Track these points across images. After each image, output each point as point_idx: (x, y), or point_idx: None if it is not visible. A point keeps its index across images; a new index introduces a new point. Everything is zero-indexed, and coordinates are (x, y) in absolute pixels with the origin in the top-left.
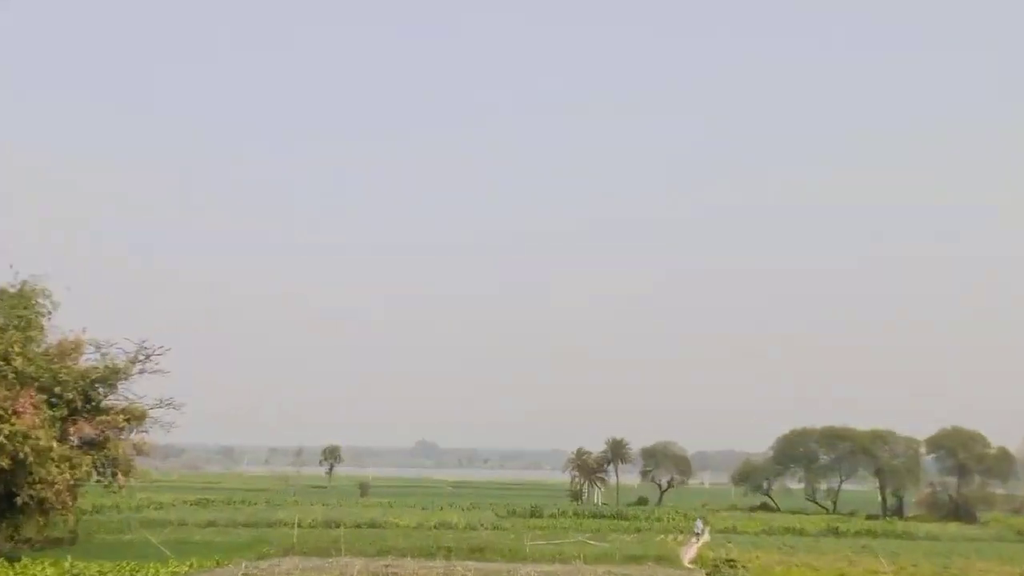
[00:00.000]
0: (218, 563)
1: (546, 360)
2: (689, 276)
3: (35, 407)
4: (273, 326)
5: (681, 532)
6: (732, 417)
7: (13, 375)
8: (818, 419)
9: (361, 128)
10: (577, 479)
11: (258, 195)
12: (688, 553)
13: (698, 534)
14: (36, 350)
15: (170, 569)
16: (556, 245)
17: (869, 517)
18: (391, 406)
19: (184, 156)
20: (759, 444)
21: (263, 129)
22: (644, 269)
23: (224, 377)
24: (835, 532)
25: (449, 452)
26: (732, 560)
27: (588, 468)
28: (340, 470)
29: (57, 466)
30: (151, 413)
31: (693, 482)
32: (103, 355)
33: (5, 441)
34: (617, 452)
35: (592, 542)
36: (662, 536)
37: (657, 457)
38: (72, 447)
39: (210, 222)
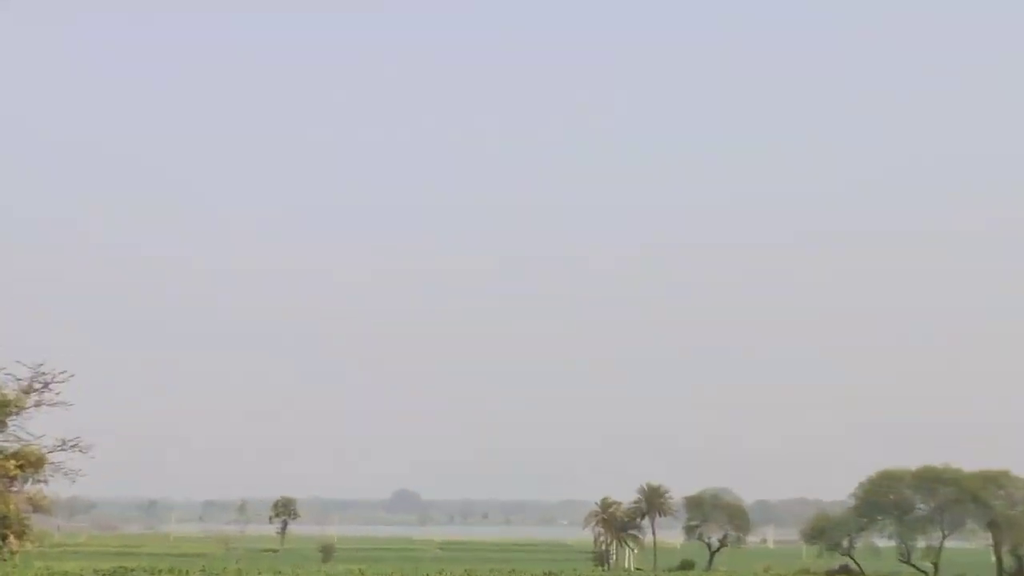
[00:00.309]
0: None
1: (559, 387)
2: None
3: None
4: (202, 340)
5: None
6: (801, 457)
7: None
8: (912, 458)
9: None
10: (603, 537)
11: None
12: None
13: None
14: None
15: None
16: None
17: None
18: (360, 447)
19: None
20: (836, 491)
21: None
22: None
23: (144, 412)
24: None
25: (436, 504)
26: None
27: (617, 523)
28: (296, 528)
29: None
30: (51, 458)
31: (752, 539)
32: None
33: None
34: (654, 502)
35: None
36: None
37: (705, 508)
38: None
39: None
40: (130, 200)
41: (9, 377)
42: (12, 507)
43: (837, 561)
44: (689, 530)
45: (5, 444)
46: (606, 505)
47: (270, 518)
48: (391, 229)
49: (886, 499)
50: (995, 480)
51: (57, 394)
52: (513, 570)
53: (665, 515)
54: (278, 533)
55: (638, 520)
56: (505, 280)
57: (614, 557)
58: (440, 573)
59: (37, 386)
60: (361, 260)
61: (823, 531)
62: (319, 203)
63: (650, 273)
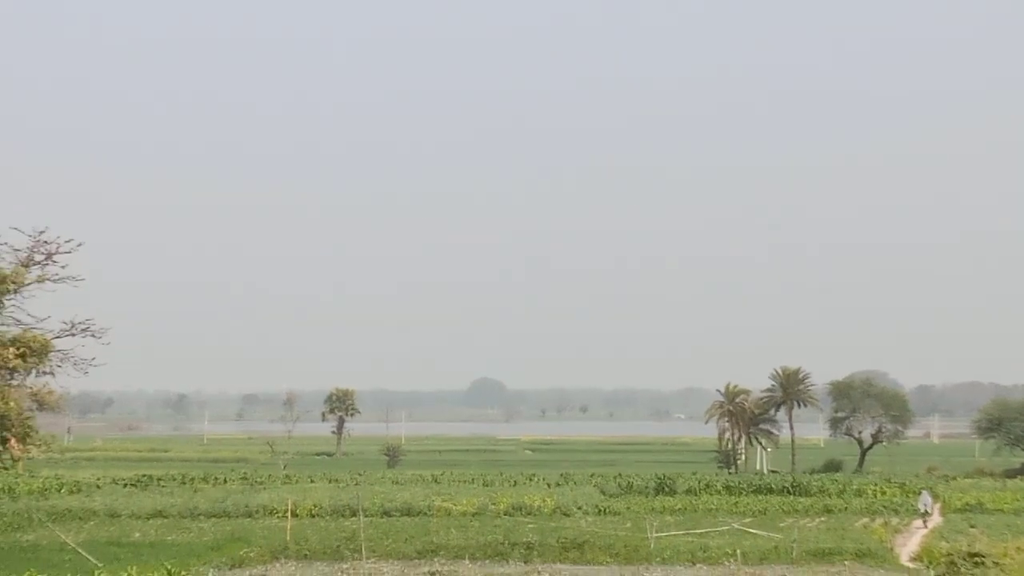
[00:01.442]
0: (170, 573)
1: (668, 256)
2: None
3: None
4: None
5: (896, 512)
6: (972, 336)
7: None
8: None
9: None
10: (729, 433)
11: None
12: (909, 544)
13: (924, 514)
14: None
15: None
16: None
17: None
18: (431, 329)
19: None
20: (1017, 372)
21: None
22: None
23: (171, 289)
24: None
25: (523, 396)
26: (978, 554)
27: (746, 416)
28: (356, 427)
29: None
30: (57, 344)
31: (914, 434)
32: None
33: None
34: (791, 390)
35: (756, 531)
36: (865, 520)
37: (855, 396)
38: None
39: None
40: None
41: (5, 248)
42: (13, 404)
43: (1019, 458)
44: (835, 423)
45: (3, 328)
46: (732, 394)
47: (323, 415)
48: None
49: None
50: None
51: (63, 267)
52: (619, 474)
53: (805, 405)
54: (333, 433)
55: (772, 412)
56: None
57: (743, 457)
58: (531, 479)
59: (38, 258)
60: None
61: (1001, 422)
62: None
63: None
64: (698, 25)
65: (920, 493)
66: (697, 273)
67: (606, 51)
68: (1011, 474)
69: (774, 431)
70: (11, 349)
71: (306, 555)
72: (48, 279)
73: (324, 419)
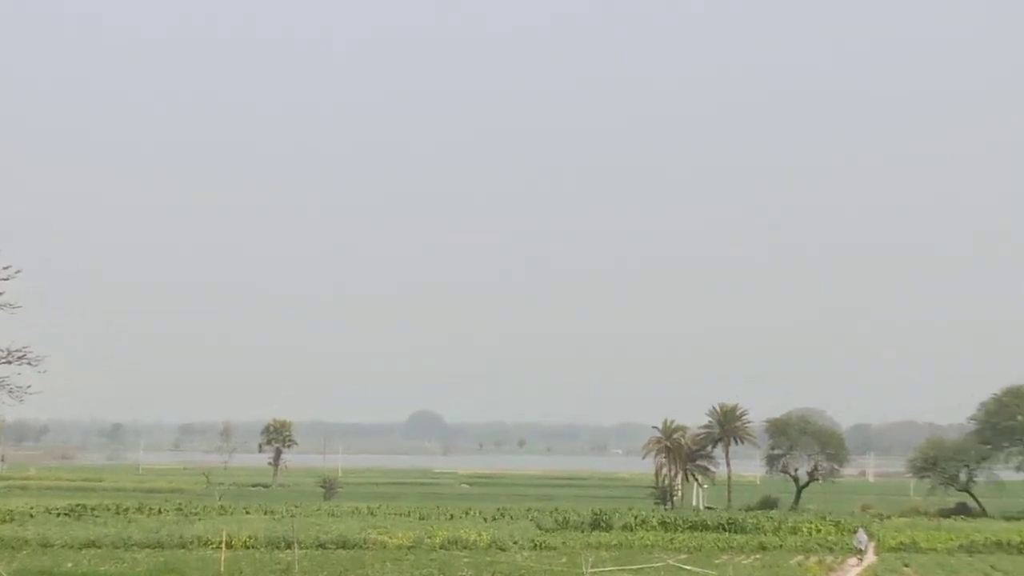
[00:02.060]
0: None
1: (607, 294)
2: None
3: None
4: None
5: (831, 550)
6: (908, 374)
7: None
8: None
9: None
10: (665, 469)
11: None
12: None
13: (859, 552)
14: None
15: None
16: None
17: None
18: (372, 362)
19: None
20: (951, 412)
21: None
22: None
23: (110, 317)
24: None
25: (461, 429)
26: None
27: (683, 452)
28: (293, 458)
29: None
30: None
31: (849, 472)
32: None
33: None
34: (728, 426)
35: (691, 568)
36: (800, 558)
37: (792, 433)
38: None
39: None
40: None
41: None
42: None
43: (953, 498)
44: (771, 460)
45: None
46: (669, 430)
47: (260, 446)
48: None
49: (1015, 422)
50: None
51: (1, 294)
52: (556, 509)
53: (742, 442)
54: (270, 464)
55: (709, 448)
56: None
57: (680, 493)
58: (467, 512)
59: None
60: None
61: (936, 461)
62: None
63: None
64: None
65: (856, 531)
66: (638, 305)
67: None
68: (945, 514)
69: (711, 467)
70: None
71: None
72: None
73: (261, 450)
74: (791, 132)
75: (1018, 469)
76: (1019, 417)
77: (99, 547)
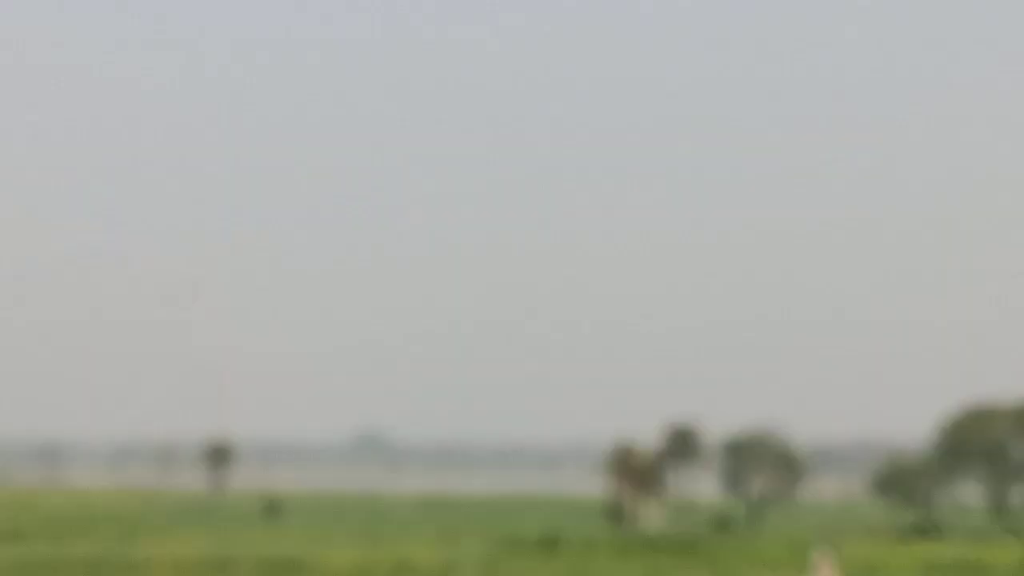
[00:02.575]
0: None
1: (563, 300)
2: None
3: None
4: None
5: (788, 572)
6: (867, 390)
7: None
8: (1010, 391)
9: None
10: (619, 489)
11: None
12: None
13: (819, 574)
14: None
15: None
16: None
17: None
18: (315, 379)
19: None
20: (911, 431)
21: None
22: None
23: (37, 328)
24: None
25: (409, 450)
26: None
27: (636, 471)
28: (236, 478)
29: None
30: None
31: (808, 491)
32: None
33: None
34: (682, 445)
35: None
36: None
37: (746, 453)
38: None
39: None
40: None
41: None
42: None
43: (914, 518)
44: (727, 480)
45: None
46: (622, 449)
47: (201, 466)
48: None
49: (974, 441)
50: None
51: None
52: (507, 529)
53: (697, 461)
54: (211, 485)
55: (663, 468)
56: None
57: (633, 514)
58: (416, 534)
59: None
60: None
61: (895, 481)
62: None
63: None
64: None
65: (815, 552)
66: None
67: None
68: (906, 533)
69: (664, 486)
70: None
71: None
72: None
73: (202, 470)
74: None
75: (979, 488)
76: (981, 438)
77: (34, 570)
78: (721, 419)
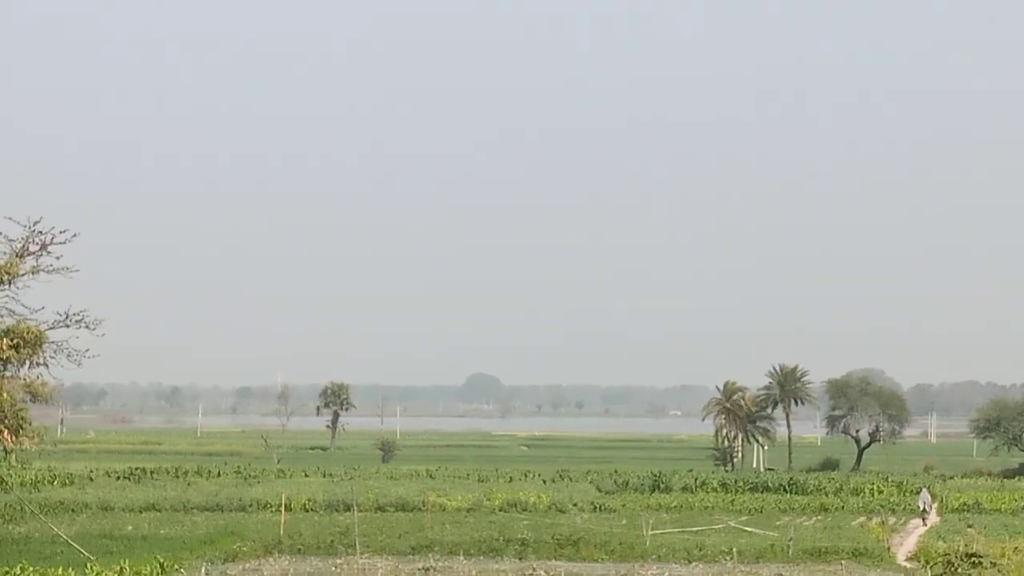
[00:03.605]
0: (164, 567)
1: (659, 248)
2: None
3: None
4: (228, 203)
5: (894, 511)
6: (971, 336)
7: None
8: None
9: None
10: (725, 431)
11: None
12: (906, 544)
13: (923, 512)
14: None
15: None
16: None
17: None
18: (426, 325)
19: None
20: (1014, 372)
21: None
22: None
23: (165, 282)
24: None
25: (519, 391)
26: (975, 554)
27: (743, 414)
28: (351, 421)
29: None
30: (51, 336)
31: (911, 433)
32: None
33: None
34: (788, 388)
35: (751, 530)
36: (862, 519)
37: (852, 394)
38: None
39: None
40: None
41: None
42: (6, 396)
43: (1016, 458)
44: (832, 422)
45: None
46: (730, 391)
47: (318, 409)
48: None
49: None
50: None
51: (58, 258)
52: (616, 471)
53: (803, 403)
54: (328, 427)
55: (769, 410)
56: None
57: (740, 455)
58: (526, 475)
59: (33, 248)
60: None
61: (999, 421)
62: None
63: None
64: None
65: (919, 491)
66: (695, 268)
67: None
68: (1009, 474)
69: (771, 429)
70: (4, 340)
71: (300, 550)
72: (42, 270)
73: (319, 413)
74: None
75: None
76: None
77: (159, 510)
78: (827, 364)
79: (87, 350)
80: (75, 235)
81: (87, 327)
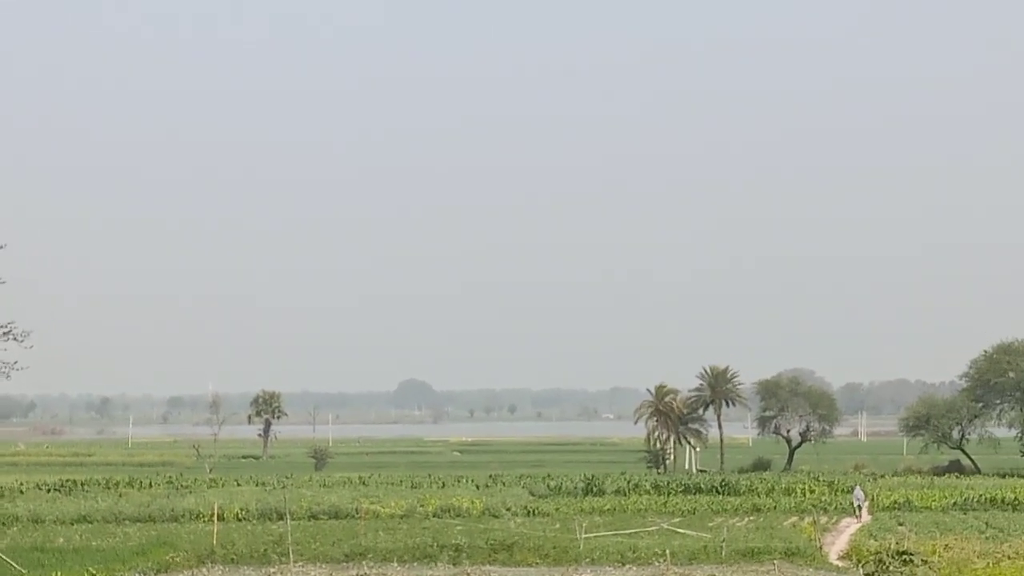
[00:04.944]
0: None
1: (597, 252)
2: None
3: None
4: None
5: (825, 510)
6: (898, 333)
7: None
8: None
9: None
10: (657, 433)
11: None
12: (838, 542)
13: (858, 509)
14: None
15: None
16: None
17: None
18: (357, 331)
19: None
20: (942, 370)
21: None
22: None
23: (94, 291)
24: None
25: (452, 397)
26: (907, 552)
27: (674, 416)
28: (283, 430)
29: None
30: None
31: (842, 432)
32: None
33: None
34: (719, 389)
35: (685, 531)
36: (794, 519)
37: (783, 395)
38: None
39: None
40: None
41: None
42: None
43: (946, 456)
44: (763, 422)
45: None
46: (661, 393)
47: (249, 417)
48: None
49: (1006, 379)
50: None
51: None
52: (548, 475)
53: (734, 404)
54: (260, 436)
55: (700, 411)
56: None
57: (672, 457)
58: (459, 480)
59: None
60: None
61: (928, 420)
62: None
63: None
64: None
65: (852, 489)
66: (627, 270)
67: None
68: (938, 472)
69: (703, 430)
70: None
71: (233, 559)
72: None
73: (250, 422)
74: None
75: (1011, 426)
76: (1011, 374)
77: (90, 522)
78: (757, 365)
79: (15, 362)
80: (3, 245)
81: (15, 339)
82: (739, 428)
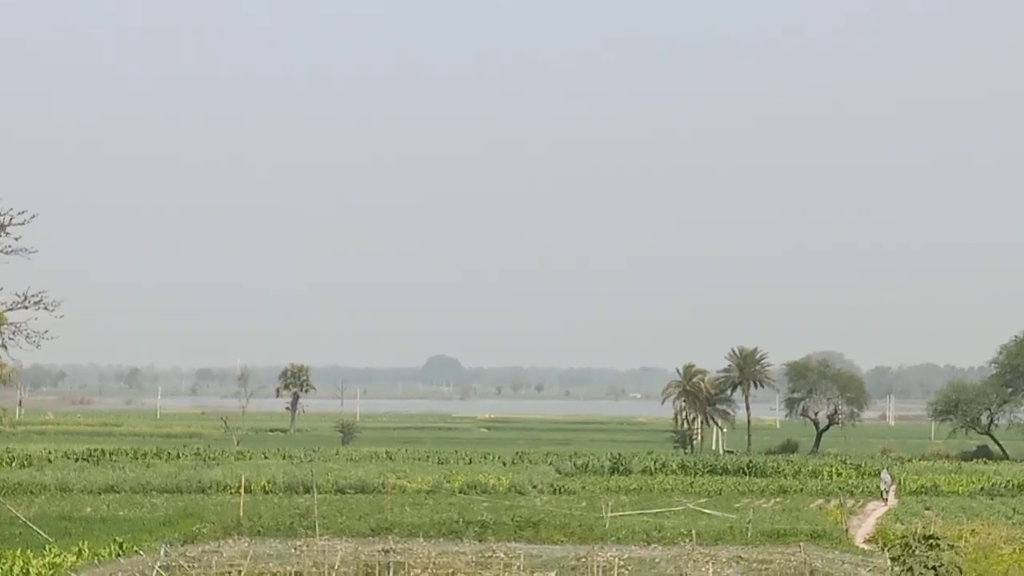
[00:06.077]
0: (122, 549)
1: (626, 236)
2: None
3: None
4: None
5: (852, 494)
6: (929, 317)
7: None
8: None
9: None
10: (685, 414)
11: None
12: (864, 526)
13: (884, 492)
14: None
15: (47, 560)
16: None
17: None
18: (386, 307)
19: None
20: (972, 355)
21: None
22: None
23: (125, 264)
24: None
25: (479, 374)
26: (933, 536)
27: (702, 396)
28: (310, 403)
29: None
30: (9, 317)
31: (870, 415)
32: None
33: None
34: (748, 370)
35: (711, 512)
36: (820, 501)
37: (811, 377)
38: None
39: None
40: None
41: None
42: None
43: (974, 441)
44: (791, 404)
45: None
46: (689, 374)
47: (277, 391)
48: None
49: None
50: None
51: (16, 239)
52: (575, 453)
53: (762, 386)
54: (287, 409)
55: (728, 392)
56: None
57: (699, 437)
58: (486, 457)
59: None
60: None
61: (957, 404)
62: None
63: None
64: None
65: (879, 473)
66: (654, 254)
67: None
68: (966, 457)
69: (730, 411)
70: None
71: (259, 531)
72: (0, 251)
73: (278, 395)
74: None
75: None
76: None
77: (118, 492)
78: (787, 347)
79: (46, 331)
80: (33, 216)
81: (46, 308)
82: (767, 410)
